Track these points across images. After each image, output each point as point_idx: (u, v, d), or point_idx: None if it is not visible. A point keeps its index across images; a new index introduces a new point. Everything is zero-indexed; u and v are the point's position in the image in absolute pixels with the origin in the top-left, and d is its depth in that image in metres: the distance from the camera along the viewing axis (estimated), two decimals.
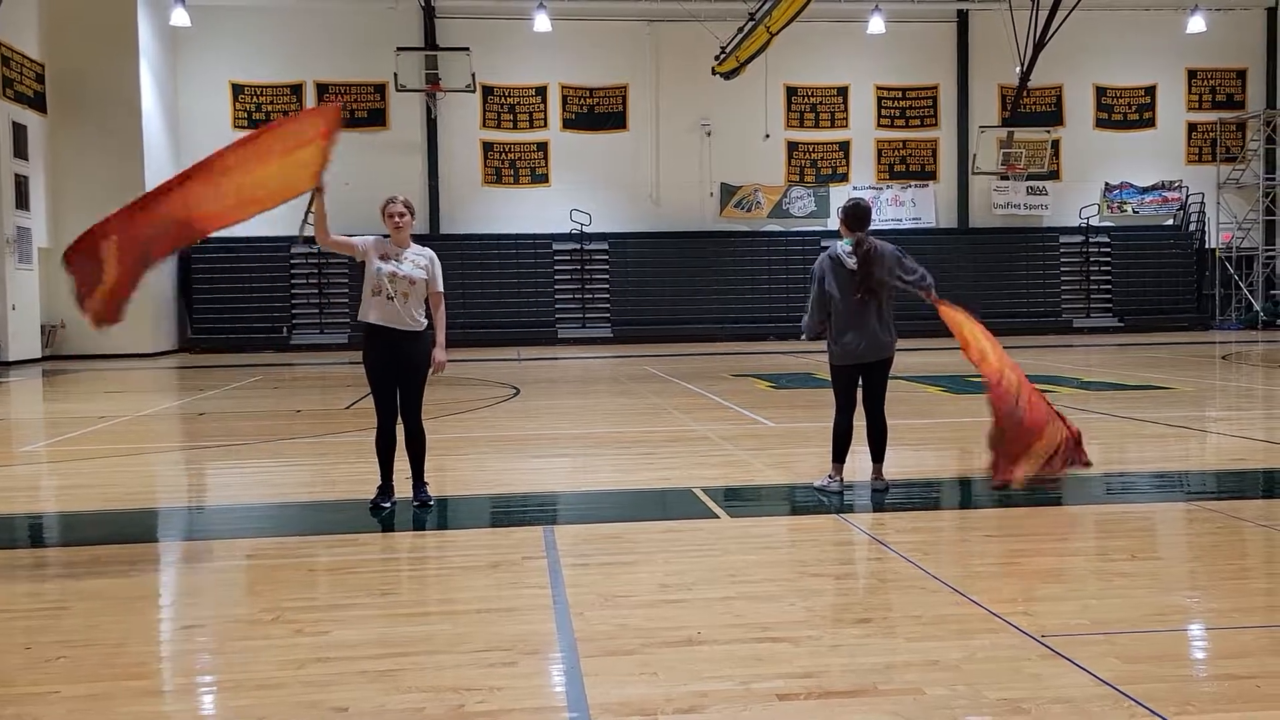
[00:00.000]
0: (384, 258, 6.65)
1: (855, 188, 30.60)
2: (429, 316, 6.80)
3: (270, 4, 29.11)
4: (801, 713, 3.42)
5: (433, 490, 6.99)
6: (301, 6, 29.26)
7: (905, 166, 31.49)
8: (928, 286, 6.91)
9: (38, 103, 24.69)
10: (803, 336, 7.26)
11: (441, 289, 6.83)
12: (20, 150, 23.67)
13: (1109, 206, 32.05)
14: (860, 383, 7.04)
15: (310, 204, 6.52)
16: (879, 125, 31.34)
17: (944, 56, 31.38)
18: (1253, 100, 32.21)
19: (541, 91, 30.27)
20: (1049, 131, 31.24)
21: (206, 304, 28.68)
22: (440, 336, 6.79)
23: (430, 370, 6.77)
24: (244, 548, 5.96)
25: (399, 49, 28.23)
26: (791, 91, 31.01)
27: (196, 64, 29.04)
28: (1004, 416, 6.31)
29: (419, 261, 6.71)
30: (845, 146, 31.23)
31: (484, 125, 30.19)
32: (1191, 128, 32.28)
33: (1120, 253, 31.62)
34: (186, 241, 6.34)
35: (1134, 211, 32.15)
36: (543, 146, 30.35)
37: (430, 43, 29.11)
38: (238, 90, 29.38)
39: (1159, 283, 31.56)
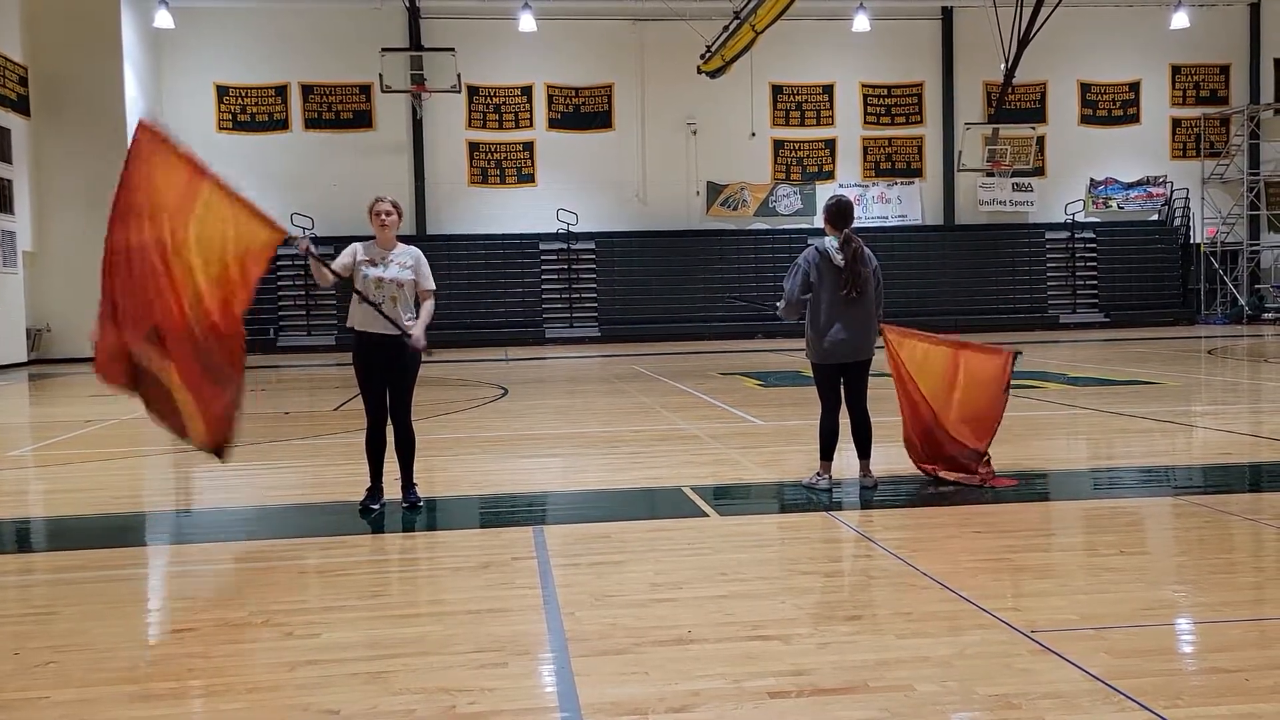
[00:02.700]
0: (369, 263, 6.64)
1: (841, 185, 30.64)
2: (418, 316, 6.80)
3: (254, 5, 29.02)
4: (793, 710, 3.43)
5: (422, 491, 6.99)
6: (286, 8, 29.16)
7: (891, 164, 31.55)
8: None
9: (21, 106, 24.55)
10: (778, 310, 7.29)
11: (432, 287, 6.83)
12: (3, 154, 23.55)
13: (1094, 202, 32.16)
14: (842, 381, 7.09)
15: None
16: (865, 123, 31.39)
17: (929, 54, 31.45)
18: (1236, 95, 32.36)
19: (527, 91, 30.23)
20: (1034, 128, 31.34)
21: None
22: (422, 324, 6.67)
23: (411, 349, 6.58)
24: (233, 551, 5.95)
25: (384, 50, 28.14)
26: (777, 90, 31.04)
27: (180, 66, 28.92)
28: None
29: (405, 262, 6.70)
30: (831, 144, 31.27)
31: (469, 125, 30.14)
32: (1176, 123, 32.42)
33: (1106, 248, 31.74)
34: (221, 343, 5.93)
35: (1119, 207, 32.27)
36: (529, 146, 30.32)
37: (415, 43, 29.02)
38: (222, 92, 29.27)
39: (1144, 278, 31.68)
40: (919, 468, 7.38)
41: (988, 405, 7.20)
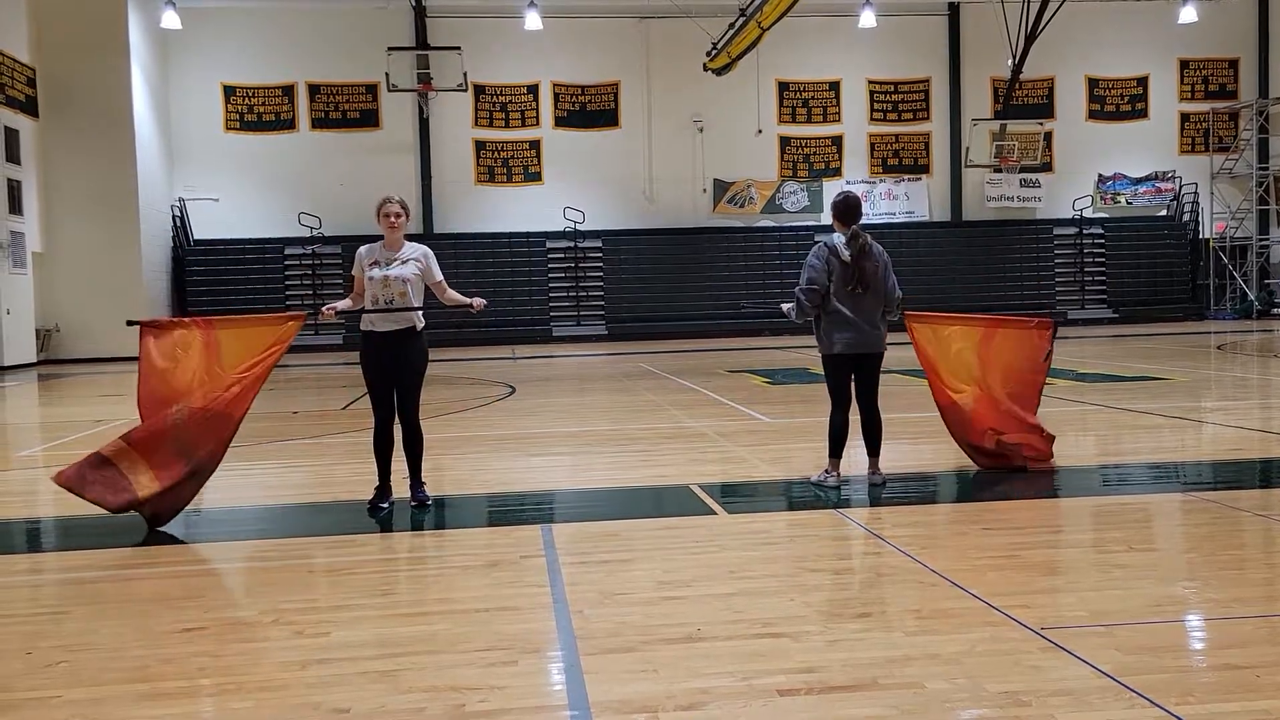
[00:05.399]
0: (376, 264, 6.65)
1: (848, 182, 30.62)
2: (426, 312, 6.82)
3: (261, 5, 29.07)
4: (802, 708, 3.43)
5: (430, 490, 6.99)
6: (292, 7, 29.21)
7: (898, 160, 31.51)
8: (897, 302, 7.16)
9: (29, 107, 24.62)
10: (787, 310, 7.31)
11: (440, 278, 6.85)
12: (12, 155, 23.63)
13: (1102, 198, 32.10)
14: (853, 378, 7.09)
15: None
16: (871, 119, 31.36)
17: (936, 50, 31.40)
18: (1245, 90, 32.26)
19: (533, 89, 30.25)
20: (1041, 124, 31.30)
21: (200, 306, 28.58)
22: (463, 298, 6.96)
23: (477, 309, 6.99)
24: (242, 550, 5.96)
25: (390, 49, 28.21)
26: (783, 87, 31.01)
27: (187, 66, 29.00)
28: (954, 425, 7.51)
29: (410, 257, 6.72)
30: (838, 141, 31.25)
31: (476, 124, 30.17)
32: (1184, 118, 32.34)
33: (1114, 244, 31.67)
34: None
35: (1127, 203, 32.20)
36: (535, 145, 30.34)
37: (421, 42, 29.08)
38: (229, 92, 29.34)
39: (1153, 273, 31.60)
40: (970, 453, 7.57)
41: (1029, 377, 7.47)
